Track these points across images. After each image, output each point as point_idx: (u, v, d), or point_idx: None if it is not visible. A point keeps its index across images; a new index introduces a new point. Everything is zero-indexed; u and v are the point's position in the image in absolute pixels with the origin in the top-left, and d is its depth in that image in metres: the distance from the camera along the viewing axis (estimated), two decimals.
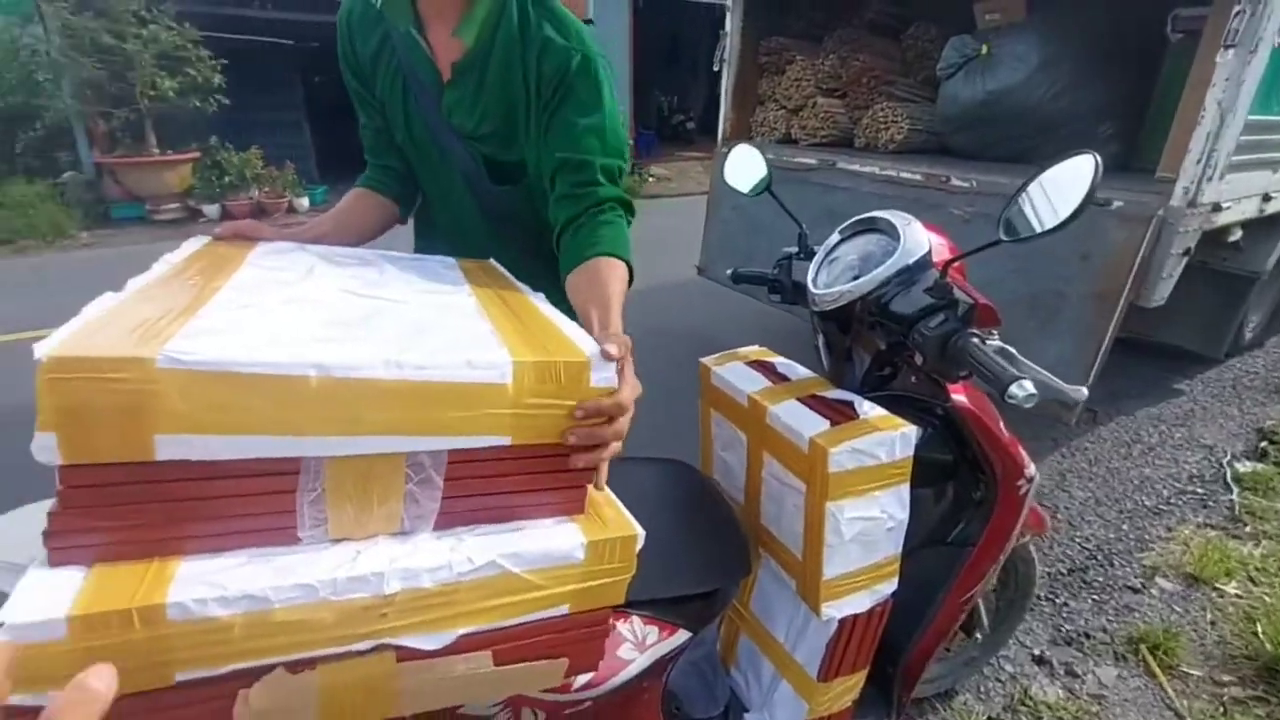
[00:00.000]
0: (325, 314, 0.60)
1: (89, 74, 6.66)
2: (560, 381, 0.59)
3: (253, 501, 0.52)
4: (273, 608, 0.50)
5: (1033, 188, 0.93)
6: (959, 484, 1.22)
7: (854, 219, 1.18)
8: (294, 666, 0.52)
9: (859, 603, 1.08)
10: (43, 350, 0.45)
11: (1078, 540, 2.27)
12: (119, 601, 0.46)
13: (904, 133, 3.19)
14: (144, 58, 6.72)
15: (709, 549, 1.05)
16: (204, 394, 0.47)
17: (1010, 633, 1.68)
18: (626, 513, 0.68)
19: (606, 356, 0.62)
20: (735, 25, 3.62)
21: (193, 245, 0.81)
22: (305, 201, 8.05)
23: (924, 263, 1.05)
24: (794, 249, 1.32)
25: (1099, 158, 0.85)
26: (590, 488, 0.67)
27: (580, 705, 0.84)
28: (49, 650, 0.44)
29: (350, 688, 0.55)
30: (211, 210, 7.47)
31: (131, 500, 0.48)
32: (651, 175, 10.29)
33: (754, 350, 1.32)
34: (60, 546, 0.48)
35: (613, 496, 0.70)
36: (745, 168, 1.40)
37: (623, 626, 0.88)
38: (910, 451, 1.01)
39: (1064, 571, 2.12)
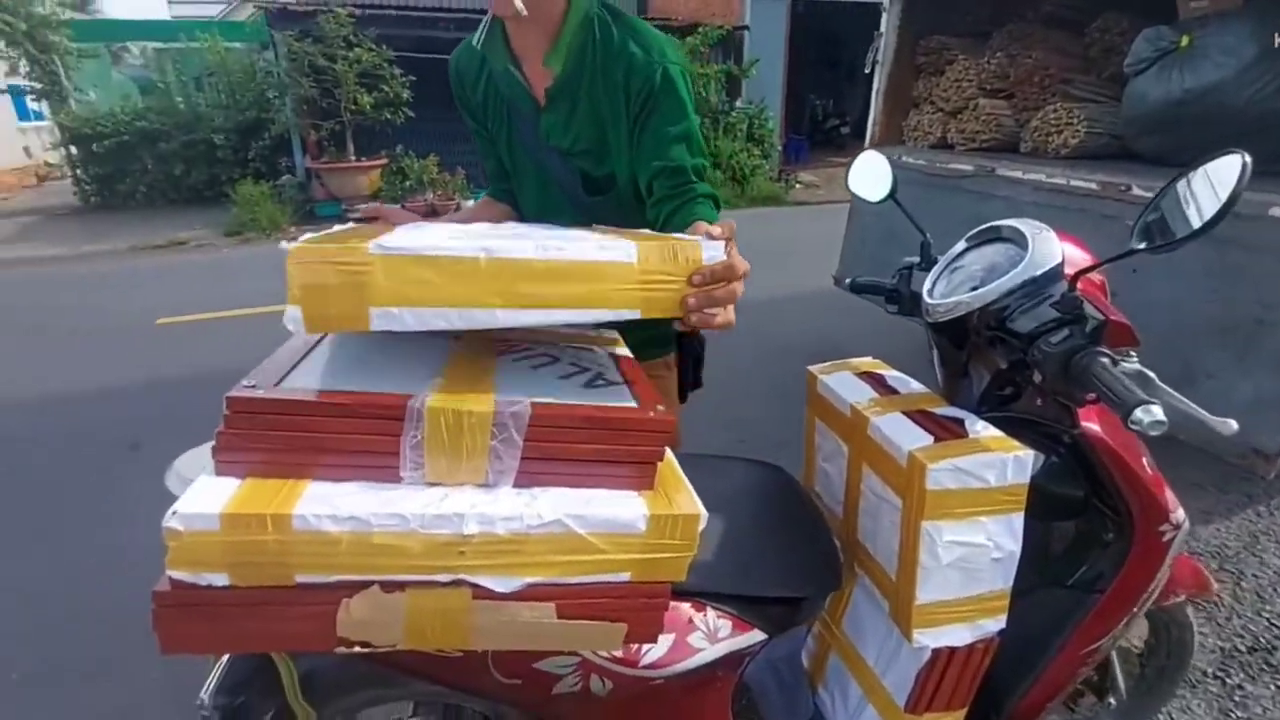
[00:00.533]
0: (486, 233, 0.73)
1: (306, 91, 7.80)
2: (677, 259, 0.69)
3: (366, 441, 0.62)
4: (372, 530, 0.58)
5: (1175, 191, 0.84)
6: (1087, 522, 1.10)
7: (982, 226, 1.11)
8: (387, 586, 0.61)
9: (957, 635, 1.01)
10: (289, 245, 0.59)
11: (1265, 615, 1.93)
12: (258, 507, 0.57)
13: (1080, 136, 2.88)
14: (349, 76, 7.74)
15: (795, 556, 1.04)
16: (404, 272, 0.59)
17: (1158, 706, 1.47)
18: (694, 495, 0.70)
19: (711, 235, 0.75)
20: (892, 24, 3.47)
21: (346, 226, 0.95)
22: (471, 203, 8.83)
23: (1054, 275, 0.97)
24: (915, 258, 1.26)
25: (1248, 157, 0.75)
26: (661, 467, 0.70)
27: (649, 682, 0.87)
28: (205, 538, 0.56)
29: (431, 614, 0.62)
30: (392, 210, 8.43)
31: (276, 428, 0.59)
32: (799, 182, 10.07)
33: (866, 361, 1.28)
34: (223, 460, 0.60)
35: (684, 479, 0.73)
36: (871, 174, 1.36)
37: (696, 616, 0.91)
38: (1025, 478, 0.94)
39: (1243, 649, 1.82)
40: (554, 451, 0.66)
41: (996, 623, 1.02)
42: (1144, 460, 1.04)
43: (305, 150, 8.62)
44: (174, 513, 0.55)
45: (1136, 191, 2.38)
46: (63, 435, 3.12)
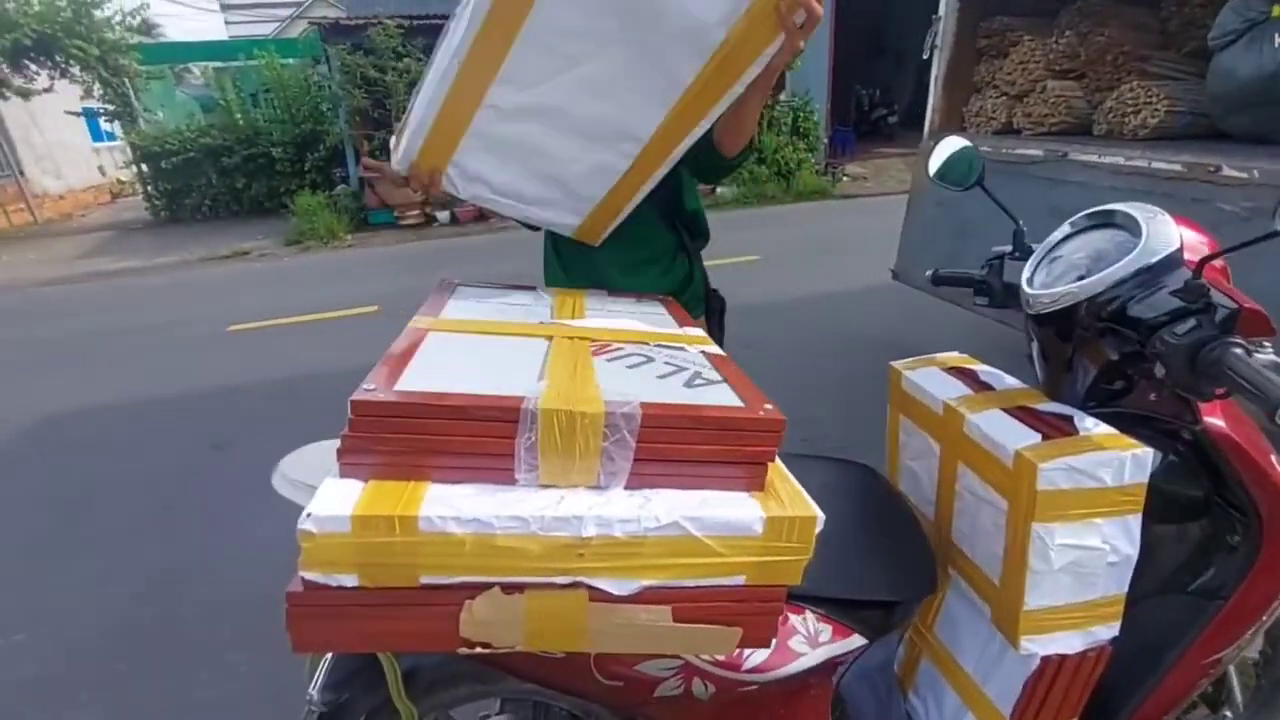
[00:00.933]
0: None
1: (358, 103, 8.03)
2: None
3: (483, 443, 0.62)
4: (494, 533, 0.59)
5: None
6: (1210, 525, 1.03)
7: (1086, 211, 1.06)
8: (507, 588, 0.61)
9: (1068, 643, 0.96)
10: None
11: None
12: (385, 509, 0.57)
13: (1160, 115, 2.73)
14: (399, 86, 7.93)
15: (892, 559, 1.01)
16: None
17: None
18: (806, 496, 0.68)
19: None
20: (951, 6, 3.35)
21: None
22: None
23: (1171, 262, 0.91)
24: (1006, 248, 1.21)
25: None
26: (771, 468, 0.69)
27: (748, 686, 0.85)
28: (337, 540, 0.57)
29: (549, 615, 0.62)
30: (443, 215, 8.60)
31: (398, 431, 0.60)
32: (846, 175, 9.86)
33: (953, 356, 1.23)
34: (348, 463, 0.61)
35: (793, 480, 0.71)
36: (953, 160, 1.31)
37: (796, 619, 0.88)
38: (1144, 478, 0.88)
39: None
40: (665, 453, 0.65)
41: (1110, 630, 0.97)
42: (1273, 458, 0.97)
43: (359, 160, 8.89)
44: (308, 515, 0.56)
45: (1228, 172, 2.24)
46: (155, 434, 3.29)
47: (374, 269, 6.78)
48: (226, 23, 18.42)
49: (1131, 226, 0.97)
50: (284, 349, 4.38)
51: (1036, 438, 0.93)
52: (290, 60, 10.00)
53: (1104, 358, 0.99)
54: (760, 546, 0.64)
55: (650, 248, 1.36)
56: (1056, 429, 0.94)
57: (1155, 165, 2.45)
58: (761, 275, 5.45)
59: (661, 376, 0.78)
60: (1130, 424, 0.95)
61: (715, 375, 0.80)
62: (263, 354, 4.31)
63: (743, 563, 0.64)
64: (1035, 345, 1.10)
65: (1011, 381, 1.12)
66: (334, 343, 4.40)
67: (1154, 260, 0.91)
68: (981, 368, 1.18)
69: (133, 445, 3.22)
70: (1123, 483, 0.89)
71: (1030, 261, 1.08)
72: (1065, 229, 1.08)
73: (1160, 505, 0.92)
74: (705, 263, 1.46)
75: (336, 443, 0.61)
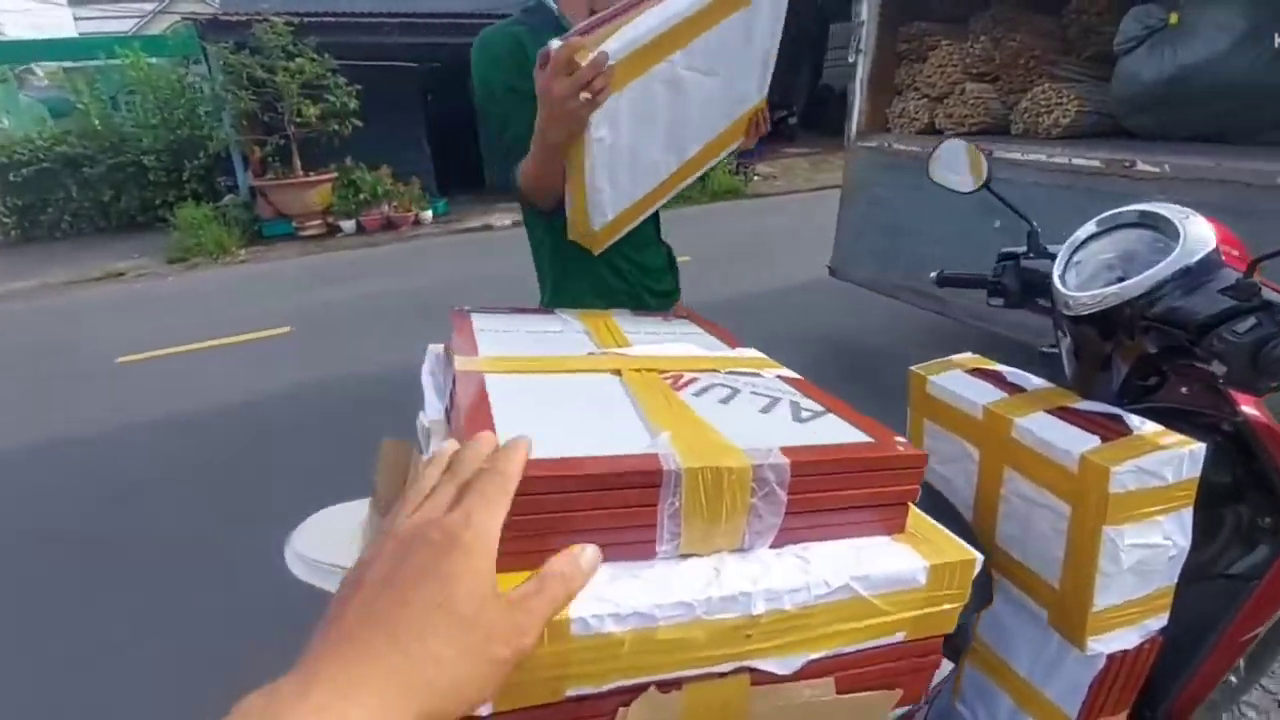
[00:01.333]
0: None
1: (245, 106, 7.39)
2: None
3: (624, 515, 0.52)
4: (657, 625, 0.49)
5: None
6: (1246, 510, 1.08)
7: (1110, 213, 1.07)
8: (664, 685, 0.51)
9: (1127, 638, 0.97)
10: None
11: None
12: None
13: (1070, 115, 2.93)
14: (291, 88, 7.36)
15: None
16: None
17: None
18: (948, 533, 0.63)
19: None
20: (872, 12, 3.47)
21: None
22: (429, 214, 8.53)
23: (1210, 262, 0.93)
24: (1018, 248, 1.22)
25: None
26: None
27: None
28: None
29: (709, 709, 0.53)
30: (348, 225, 8.08)
31: (526, 512, 0.49)
32: (757, 174, 10.13)
33: (969, 358, 1.23)
34: None
35: (928, 518, 0.65)
36: (957, 164, 1.31)
37: None
38: (1198, 471, 0.90)
39: None
40: (811, 503, 0.58)
41: (1160, 620, 0.98)
42: None
43: (248, 167, 8.18)
44: None
45: (1142, 167, 2.43)
46: (43, 489, 2.84)
47: (278, 285, 6.26)
48: (76, 19, 16.50)
49: (1163, 226, 0.99)
50: (187, 380, 3.93)
51: (1095, 440, 0.92)
52: (157, 60, 9.06)
53: (1138, 355, 1.01)
54: (923, 598, 0.58)
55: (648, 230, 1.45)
56: (1110, 429, 0.94)
57: (1076, 162, 2.62)
58: (697, 275, 5.46)
59: (763, 411, 0.70)
60: (1165, 418, 0.97)
61: (815, 405, 0.73)
62: (163, 387, 3.85)
63: (904, 618, 0.58)
64: (1066, 344, 1.11)
65: (1037, 381, 1.12)
66: (245, 370, 4.00)
67: (1194, 260, 0.93)
68: (1002, 368, 1.18)
69: (19, 504, 2.77)
70: (1180, 478, 0.90)
71: (1058, 262, 1.09)
72: (1090, 228, 1.09)
73: (1205, 495, 0.95)
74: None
75: (358, 507, 0.50)
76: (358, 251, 7.61)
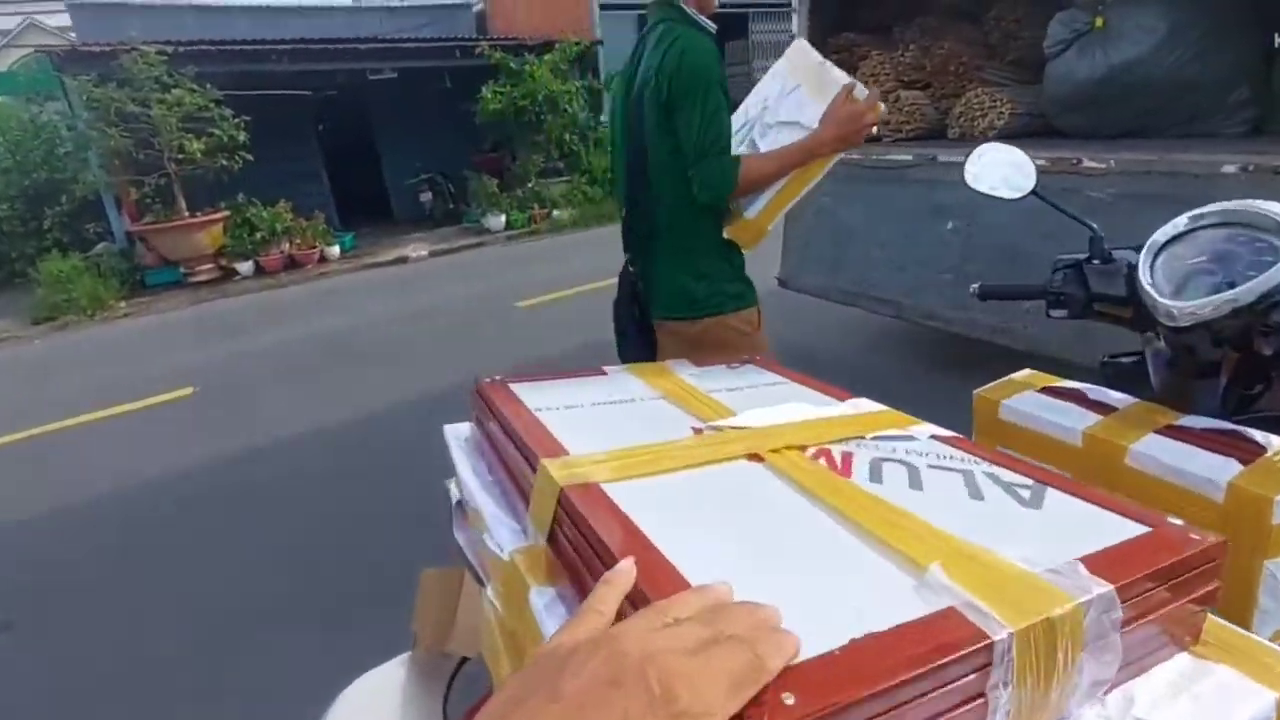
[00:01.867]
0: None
1: (115, 143, 6.64)
2: None
3: (940, 706, 0.34)
4: None
5: None
6: None
7: (1195, 212, 1.00)
8: None
9: None
10: None
11: None
12: None
13: (1005, 117, 3.01)
14: (169, 122, 6.69)
15: None
16: None
17: None
18: (1246, 633, 0.49)
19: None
20: (803, 24, 3.47)
21: None
22: (336, 250, 7.96)
23: None
24: (1077, 255, 1.14)
25: None
26: None
27: None
28: None
29: None
30: (245, 267, 7.41)
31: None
32: None
33: (1031, 375, 1.13)
34: None
35: (1216, 617, 0.51)
36: (999, 169, 1.22)
37: None
38: None
39: None
40: (1131, 633, 0.42)
41: None
42: None
43: (122, 211, 7.35)
44: None
45: (1088, 164, 2.49)
46: None
47: (171, 340, 5.60)
48: None
49: (1262, 224, 0.92)
50: (73, 462, 3.37)
51: (1234, 463, 0.83)
52: (5, 98, 8.04)
53: (1237, 363, 0.93)
54: None
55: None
56: (1242, 450, 0.85)
57: None
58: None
59: (974, 497, 0.54)
60: (1273, 428, 0.90)
61: (1022, 479, 0.58)
62: (43, 473, 3.28)
63: None
64: (1156, 354, 1.03)
65: (1119, 396, 1.03)
66: (145, 444, 3.48)
67: None
68: (1076, 384, 1.09)
69: None
70: None
71: (1142, 269, 1.00)
72: (1172, 229, 1.02)
73: None
74: (594, 286, 1.65)
75: (398, 670, 0.31)
76: (260, 295, 6.97)
